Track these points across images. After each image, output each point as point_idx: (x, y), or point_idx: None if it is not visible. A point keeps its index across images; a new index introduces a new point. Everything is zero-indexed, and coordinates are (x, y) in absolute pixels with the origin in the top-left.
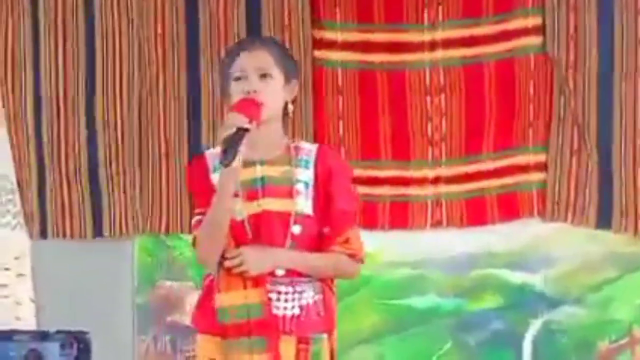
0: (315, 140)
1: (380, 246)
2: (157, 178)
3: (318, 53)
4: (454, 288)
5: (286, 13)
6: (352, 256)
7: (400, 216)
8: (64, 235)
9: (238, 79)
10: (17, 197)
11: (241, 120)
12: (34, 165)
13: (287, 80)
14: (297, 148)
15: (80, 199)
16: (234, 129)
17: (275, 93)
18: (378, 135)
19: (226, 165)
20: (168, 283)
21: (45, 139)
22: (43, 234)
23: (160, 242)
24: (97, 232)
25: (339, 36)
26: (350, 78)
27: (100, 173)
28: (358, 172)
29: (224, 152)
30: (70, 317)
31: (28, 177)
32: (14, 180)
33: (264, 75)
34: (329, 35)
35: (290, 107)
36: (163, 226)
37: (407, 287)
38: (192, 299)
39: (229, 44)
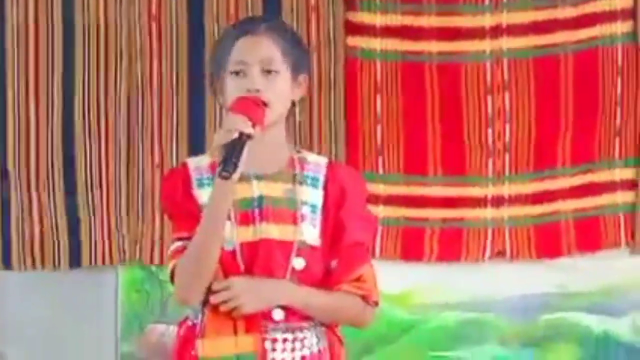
0: (348, 150)
1: (427, 283)
2: (148, 196)
3: (352, 40)
4: (520, 337)
5: None
6: (365, 298)
7: (453, 246)
8: (33, 266)
9: (236, 73)
10: None
11: (244, 124)
12: None
13: (295, 75)
14: (302, 161)
15: (53, 220)
16: (235, 134)
17: (281, 92)
18: (426, 144)
19: (225, 178)
20: (161, 327)
21: (9, 149)
22: (6, 263)
23: (152, 275)
24: (74, 261)
25: (378, 20)
26: (392, 72)
27: (79, 189)
28: (400, 189)
29: (224, 161)
30: None
31: None
32: None
33: (268, 71)
34: (365, 18)
35: (297, 108)
36: (156, 256)
37: (461, 335)
38: None
39: None
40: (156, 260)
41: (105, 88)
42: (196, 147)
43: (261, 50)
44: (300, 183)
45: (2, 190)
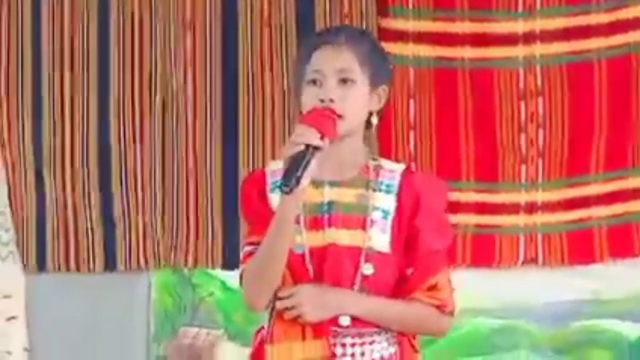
0: (380, 156)
1: (459, 289)
2: (182, 201)
3: (385, 46)
4: (553, 343)
5: None
6: (440, 307)
7: (485, 251)
8: (67, 269)
9: (313, 82)
10: (8, 220)
11: (312, 136)
12: (31, 182)
13: (374, 86)
14: (378, 168)
15: (88, 224)
16: (302, 146)
17: (356, 103)
18: (459, 150)
19: (286, 192)
20: (193, 330)
21: (45, 150)
22: (41, 266)
23: (184, 279)
24: (110, 265)
25: (411, 26)
26: (425, 78)
27: (114, 193)
28: None
29: (286, 175)
30: None
31: (23, 197)
32: (5, 200)
33: (344, 80)
34: (398, 24)
35: (375, 119)
36: (190, 260)
37: (493, 342)
38: (223, 350)
39: (274, 35)
40: (190, 263)
41: (140, 93)
42: (229, 152)
43: (339, 60)
44: (374, 190)
45: (38, 193)
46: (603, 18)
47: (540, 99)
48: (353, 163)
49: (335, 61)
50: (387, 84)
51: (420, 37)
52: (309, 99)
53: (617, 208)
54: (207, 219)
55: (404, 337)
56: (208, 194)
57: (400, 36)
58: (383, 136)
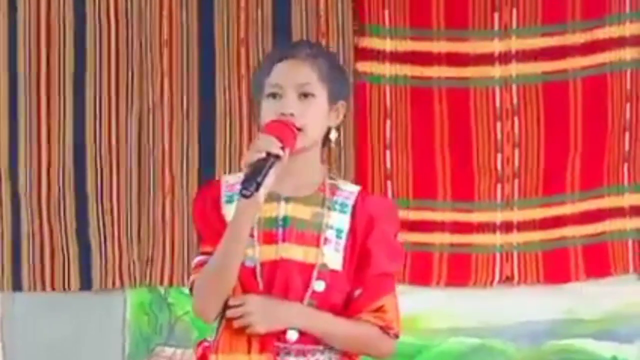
0: (356, 175)
1: (435, 308)
2: (159, 219)
3: (362, 65)
4: None
5: (322, 16)
6: (384, 329)
7: (461, 271)
8: (43, 288)
9: (272, 95)
10: None
11: (273, 145)
12: (6, 200)
13: (333, 101)
14: (334, 187)
15: (64, 243)
16: (263, 154)
17: (316, 117)
18: (435, 169)
19: (245, 196)
20: (169, 350)
21: (20, 170)
22: (16, 285)
23: (160, 298)
24: (85, 284)
25: (387, 45)
26: (402, 97)
27: (89, 211)
28: (409, 214)
29: (246, 180)
30: None
31: None
32: None
33: (304, 95)
34: (375, 43)
35: (334, 134)
36: (165, 278)
37: None
38: None
39: (251, 53)
40: (166, 282)
41: (117, 112)
42: (206, 171)
43: (298, 75)
44: (329, 208)
45: (13, 212)
46: (578, 38)
47: (516, 119)
48: (310, 180)
49: (295, 75)
50: (346, 99)
51: (397, 57)
52: (268, 112)
53: (593, 227)
54: (183, 237)
55: (348, 358)
56: (184, 212)
57: (377, 55)
58: (359, 155)
